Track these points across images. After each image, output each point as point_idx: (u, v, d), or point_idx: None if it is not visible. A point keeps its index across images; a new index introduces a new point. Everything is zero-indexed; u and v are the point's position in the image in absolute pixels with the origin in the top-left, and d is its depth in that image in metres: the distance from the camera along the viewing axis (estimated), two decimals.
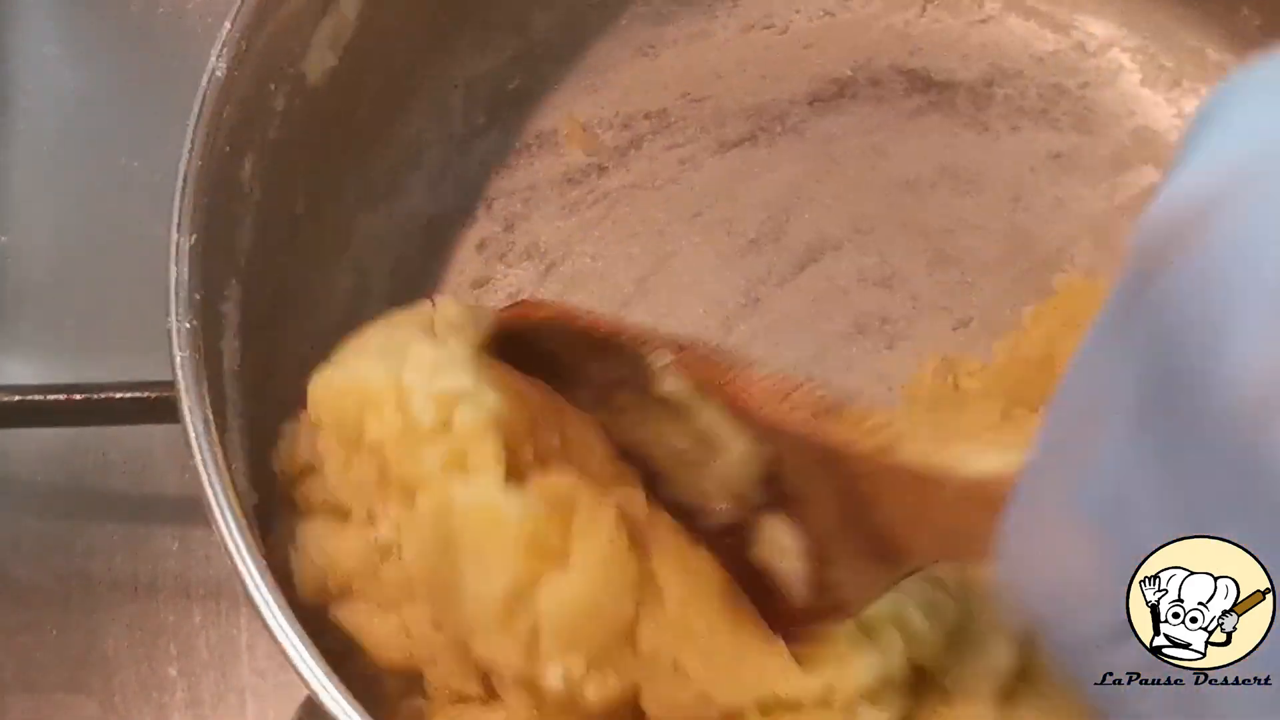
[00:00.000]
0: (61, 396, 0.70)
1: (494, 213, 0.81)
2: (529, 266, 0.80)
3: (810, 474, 0.56)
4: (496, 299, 0.78)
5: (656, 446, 0.60)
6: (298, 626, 0.54)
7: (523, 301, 0.61)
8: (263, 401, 0.66)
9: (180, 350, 0.59)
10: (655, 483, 0.60)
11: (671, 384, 0.58)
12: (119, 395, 0.69)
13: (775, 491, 0.57)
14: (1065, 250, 0.81)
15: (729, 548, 0.59)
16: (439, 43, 0.81)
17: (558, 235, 0.81)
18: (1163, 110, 0.84)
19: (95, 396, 0.69)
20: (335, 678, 0.53)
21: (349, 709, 0.52)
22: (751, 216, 0.82)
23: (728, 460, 0.58)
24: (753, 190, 0.83)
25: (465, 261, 0.80)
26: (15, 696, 0.73)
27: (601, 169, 0.83)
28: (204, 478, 0.56)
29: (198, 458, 0.57)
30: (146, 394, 0.69)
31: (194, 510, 0.76)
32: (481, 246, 0.80)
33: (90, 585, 0.75)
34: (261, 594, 0.55)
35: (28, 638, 0.74)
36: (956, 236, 0.82)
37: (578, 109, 0.84)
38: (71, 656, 0.74)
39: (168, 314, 0.59)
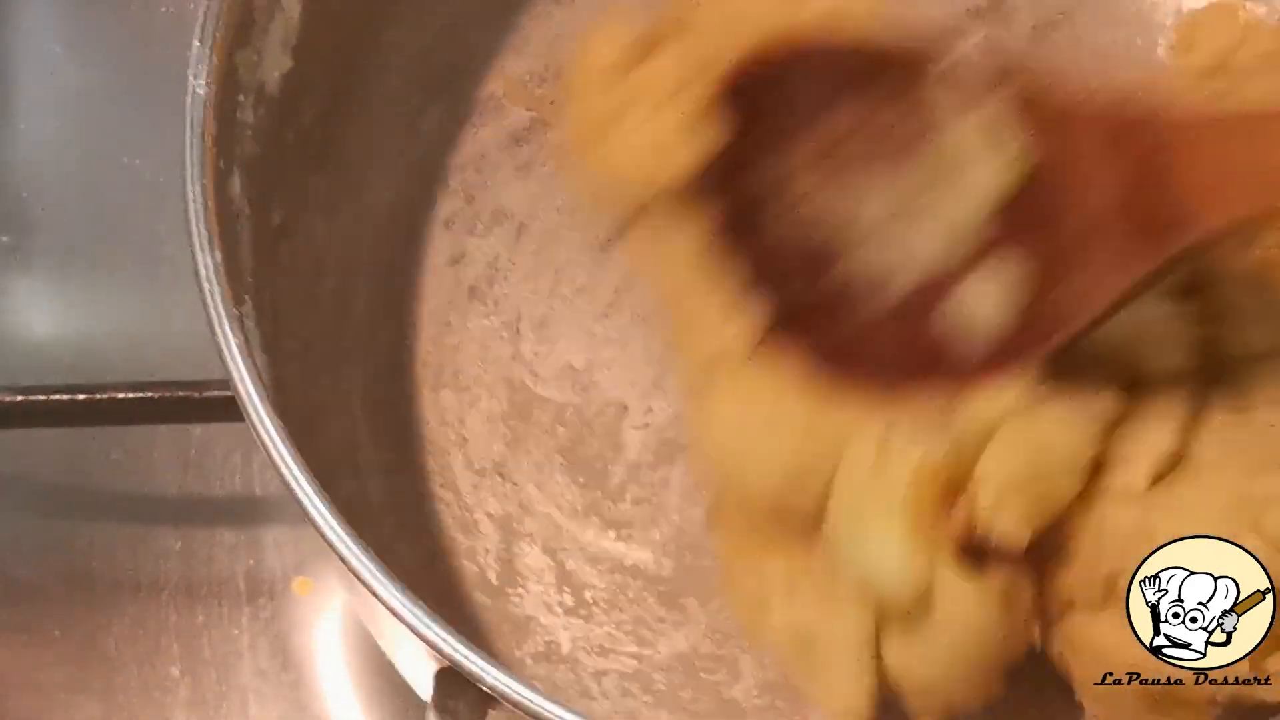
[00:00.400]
0: (64, 396, 0.70)
1: (452, 188, 0.80)
2: (500, 232, 0.78)
3: (1087, 165, 0.57)
4: (476, 269, 0.78)
5: (865, 203, 0.61)
6: (426, 608, 0.54)
7: (778, 37, 0.63)
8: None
9: (237, 368, 0.58)
10: (827, 264, 0.62)
11: (957, 75, 0.59)
12: (122, 395, 0.69)
13: (1014, 216, 0.58)
14: None
15: (897, 323, 0.61)
16: (367, 31, 0.81)
17: (520, 196, 0.79)
18: None
19: (98, 396, 0.69)
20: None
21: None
22: None
23: (975, 176, 0.58)
24: None
25: (437, 240, 0.79)
26: (17, 696, 0.73)
27: (545, 123, 0.82)
28: (290, 480, 0.56)
29: (284, 466, 0.56)
30: (150, 394, 0.69)
31: (196, 510, 0.77)
32: (449, 223, 0.79)
33: (92, 585, 0.75)
34: (379, 581, 0.54)
35: (29, 637, 0.74)
36: None
37: (509, 68, 0.83)
38: (73, 656, 0.74)
39: (214, 333, 0.58)
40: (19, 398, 0.70)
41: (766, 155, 0.63)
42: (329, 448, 0.60)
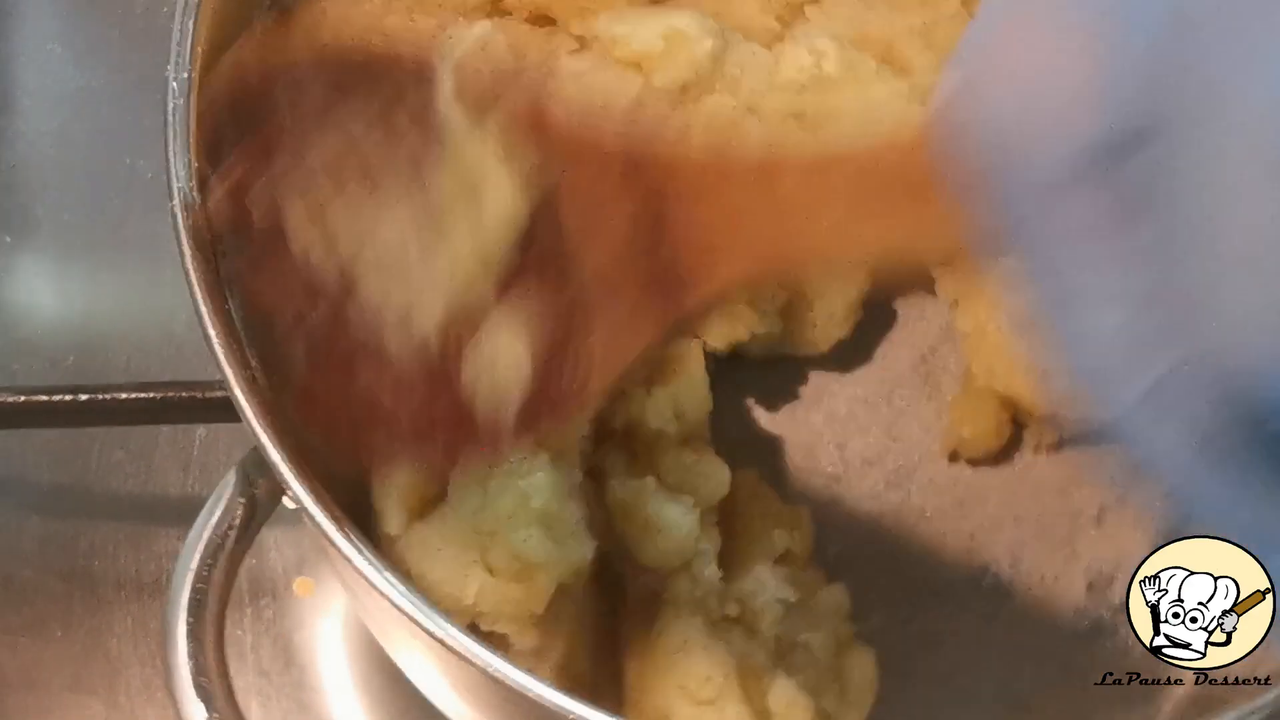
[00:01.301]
0: (66, 397, 0.70)
1: None
2: None
3: (599, 199, 0.50)
4: None
5: (376, 231, 0.54)
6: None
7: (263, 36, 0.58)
8: None
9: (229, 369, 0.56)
10: (340, 307, 0.54)
11: (450, 100, 0.52)
12: (124, 396, 0.69)
13: (532, 249, 0.52)
14: None
15: (419, 378, 0.54)
16: None
17: None
18: None
19: (100, 397, 0.69)
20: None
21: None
22: None
23: (481, 220, 0.52)
24: None
25: None
26: (19, 696, 0.73)
27: None
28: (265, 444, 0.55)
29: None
30: (152, 394, 0.69)
31: (198, 510, 0.77)
32: None
33: (94, 585, 0.75)
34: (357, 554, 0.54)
35: (31, 637, 0.75)
36: None
37: None
38: (75, 656, 0.74)
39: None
40: (20, 398, 0.70)
41: (267, 168, 0.56)
42: None
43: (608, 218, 0.50)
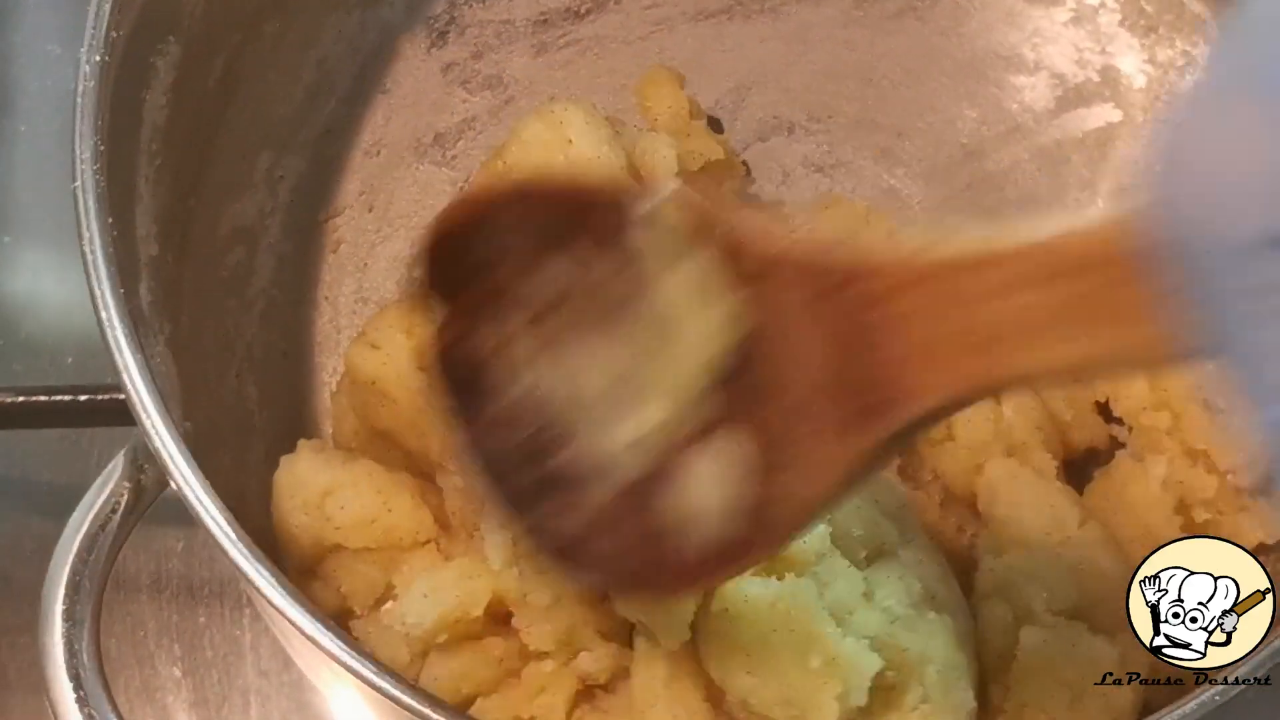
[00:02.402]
0: (65, 397, 0.70)
1: (466, 38, 0.82)
2: (488, 96, 0.81)
3: (798, 320, 0.50)
4: (451, 120, 0.80)
5: (585, 376, 0.55)
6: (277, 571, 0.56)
7: (474, 190, 0.62)
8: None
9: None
10: (552, 449, 0.56)
11: (660, 225, 0.53)
12: (123, 395, 0.69)
13: (740, 377, 0.53)
14: (1010, 173, 0.82)
15: (624, 514, 0.55)
16: None
17: (523, 72, 0.82)
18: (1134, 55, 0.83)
19: (99, 397, 0.69)
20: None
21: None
22: (712, 87, 0.83)
23: (690, 340, 0.53)
24: (719, 62, 0.84)
25: (428, 80, 0.81)
26: (18, 696, 0.74)
27: (578, 15, 0.83)
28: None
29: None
30: None
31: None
32: (447, 70, 0.81)
33: None
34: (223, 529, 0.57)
35: (31, 638, 0.74)
36: (907, 139, 0.82)
37: None
38: None
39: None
40: (20, 398, 0.70)
41: (482, 320, 0.57)
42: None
43: (807, 344, 0.50)
